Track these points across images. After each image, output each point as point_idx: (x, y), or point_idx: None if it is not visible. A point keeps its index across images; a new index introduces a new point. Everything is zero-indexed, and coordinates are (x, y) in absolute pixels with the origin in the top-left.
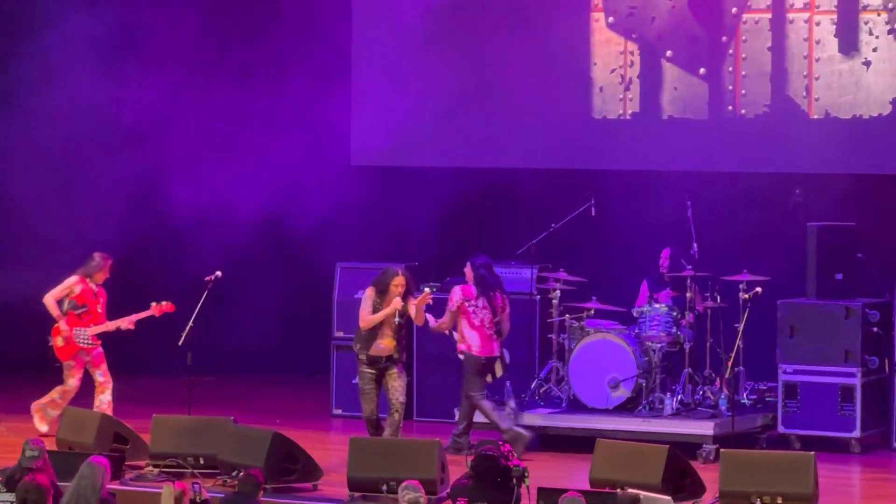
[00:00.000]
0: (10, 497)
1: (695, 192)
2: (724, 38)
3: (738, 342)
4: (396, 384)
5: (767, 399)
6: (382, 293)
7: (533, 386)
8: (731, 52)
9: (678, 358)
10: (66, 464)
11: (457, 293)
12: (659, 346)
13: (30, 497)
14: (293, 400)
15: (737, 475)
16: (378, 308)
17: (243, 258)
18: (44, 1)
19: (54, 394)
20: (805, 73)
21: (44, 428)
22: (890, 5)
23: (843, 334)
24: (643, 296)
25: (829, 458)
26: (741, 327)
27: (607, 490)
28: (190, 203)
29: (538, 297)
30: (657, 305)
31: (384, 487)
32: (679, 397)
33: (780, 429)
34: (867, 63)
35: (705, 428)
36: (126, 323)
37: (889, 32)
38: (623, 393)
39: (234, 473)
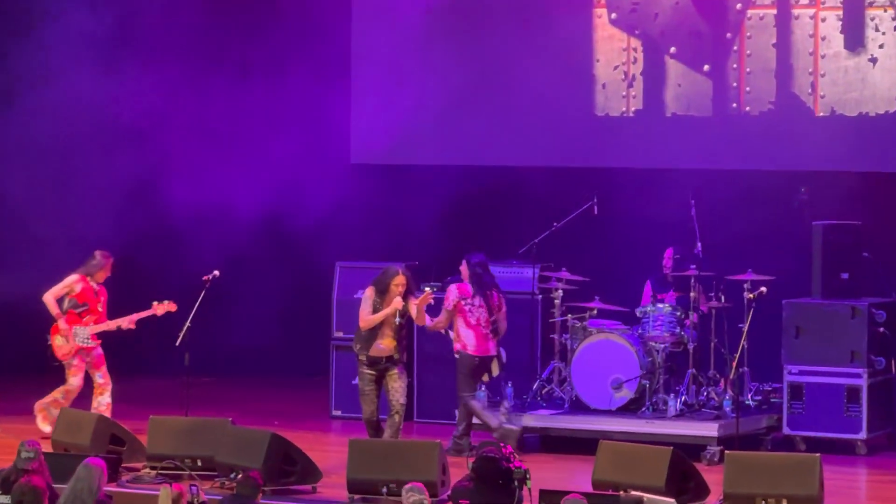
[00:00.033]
0: (6, 499)
1: (699, 191)
2: (728, 35)
3: (743, 342)
4: (397, 385)
5: (772, 400)
6: (383, 293)
7: (535, 387)
8: (735, 48)
9: (682, 358)
10: (61, 465)
11: (453, 291)
12: (662, 346)
13: (25, 499)
14: (292, 401)
15: (741, 477)
16: (378, 308)
17: (242, 257)
18: None
19: (57, 394)
20: (810, 69)
21: (47, 428)
22: None
23: (848, 334)
24: (647, 295)
25: (834, 459)
26: (746, 327)
27: (610, 492)
28: (188, 202)
29: (540, 296)
30: (661, 305)
31: (384, 490)
32: (683, 398)
33: (786, 430)
34: (873, 60)
35: (709, 429)
36: (127, 322)
37: None
38: (626, 394)
39: (232, 475)
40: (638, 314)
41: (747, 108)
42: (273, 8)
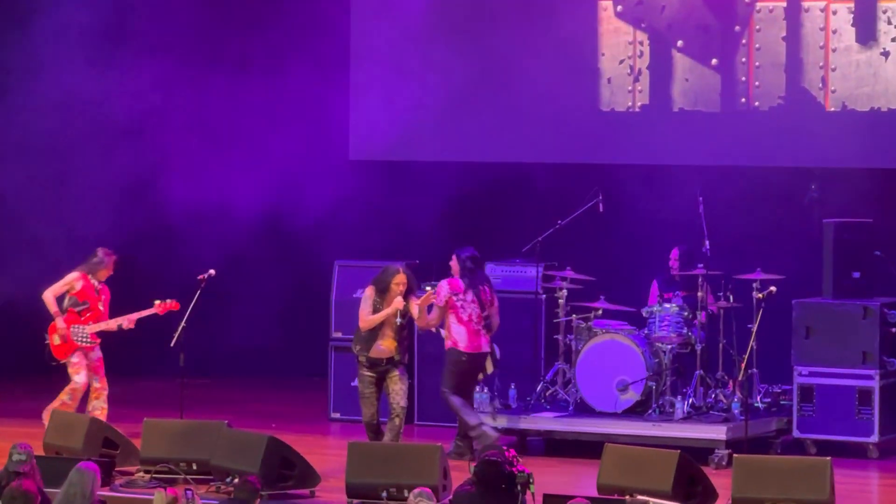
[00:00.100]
0: None
1: (707, 188)
2: (737, 28)
3: (752, 343)
4: (398, 388)
5: (782, 402)
6: (383, 292)
7: (538, 389)
8: (744, 41)
9: (689, 360)
10: (53, 469)
11: (444, 287)
12: (669, 347)
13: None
14: (290, 403)
15: (750, 481)
16: (378, 308)
17: (239, 256)
18: None
19: (63, 395)
20: (821, 63)
21: None
22: None
23: (860, 335)
24: (653, 295)
25: (845, 463)
26: (755, 328)
27: (615, 497)
28: (186, 199)
29: (544, 296)
30: (668, 305)
31: (384, 494)
32: (690, 400)
33: (795, 433)
34: (885, 53)
35: (717, 432)
36: (127, 322)
37: None
38: (632, 396)
39: (228, 479)
40: (644, 314)
41: (756, 104)
42: (272, 2)
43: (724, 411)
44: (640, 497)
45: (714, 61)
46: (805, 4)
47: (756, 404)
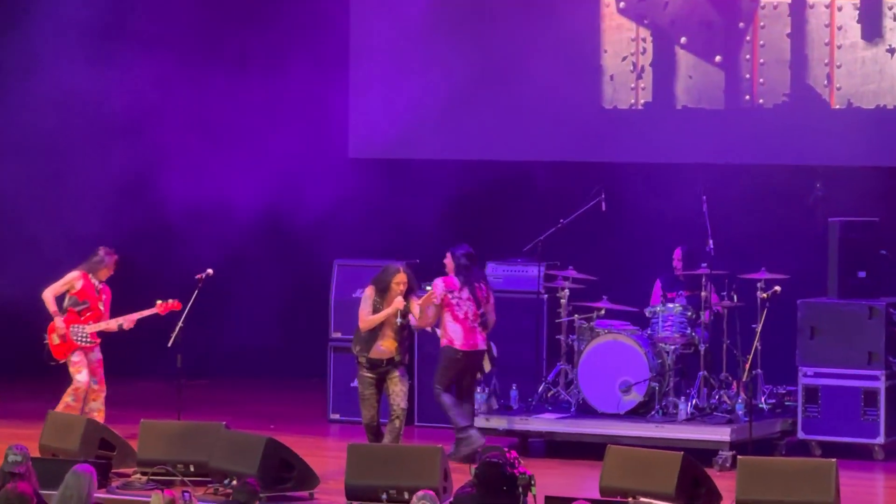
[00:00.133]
0: None
1: (710, 186)
2: (741, 24)
3: (756, 344)
4: (398, 389)
5: (787, 403)
6: (383, 292)
7: (540, 389)
8: (748, 38)
9: (693, 360)
10: (49, 471)
11: (439, 285)
12: (673, 347)
13: None
14: (288, 404)
15: (754, 483)
16: (378, 308)
17: (238, 255)
18: None
19: (67, 398)
20: (826, 60)
21: None
22: None
23: (866, 335)
24: (656, 295)
25: (851, 465)
26: (759, 328)
27: (618, 499)
28: (184, 198)
29: (546, 296)
30: (671, 305)
31: (384, 496)
32: (694, 402)
33: (800, 435)
34: (891, 50)
35: (721, 434)
36: (128, 322)
37: None
38: (635, 397)
39: (225, 481)
40: (647, 314)
41: (761, 101)
42: (271, 0)
43: (728, 412)
44: (642, 499)
45: (718, 58)
46: (810, 1)
47: (760, 405)
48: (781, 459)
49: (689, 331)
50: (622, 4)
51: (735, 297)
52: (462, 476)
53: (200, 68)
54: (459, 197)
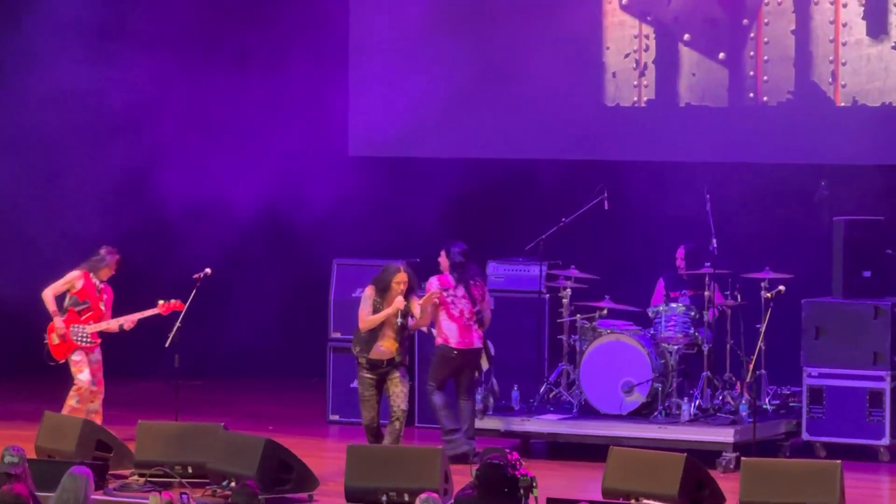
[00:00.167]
0: None
1: (714, 185)
2: (745, 21)
3: (760, 344)
4: (398, 390)
5: (791, 404)
6: (383, 292)
7: (542, 390)
8: (752, 35)
9: (696, 361)
10: (45, 472)
11: (433, 284)
12: (676, 347)
13: None
14: (287, 405)
15: (758, 485)
16: (379, 308)
17: (236, 254)
18: None
19: (70, 401)
20: (831, 57)
21: None
22: None
23: (871, 335)
24: (659, 294)
25: (856, 466)
26: (763, 328)
27: (621, 501)
28: (183, 196)
29: (547, 295)
30: (674, 305)
31: (384, 498)
32: (697, 402)
33: (805, 436)
34: None
35: (725, 435)
36: (129, 322)
37: None
38: (637, 398)
39: (224, 483)
40: (650, 314)
41: (765, 99)
42: None
43: (732, 413)
44: (645, 501)
45: (721, 55)
46: None
47: (764, 406)
48: (786, 461)
49: (692, 331)
50: (625, 1)
51: (739, 296)
52: (463, 478)
53: (200, 67)
54: (460, 196)
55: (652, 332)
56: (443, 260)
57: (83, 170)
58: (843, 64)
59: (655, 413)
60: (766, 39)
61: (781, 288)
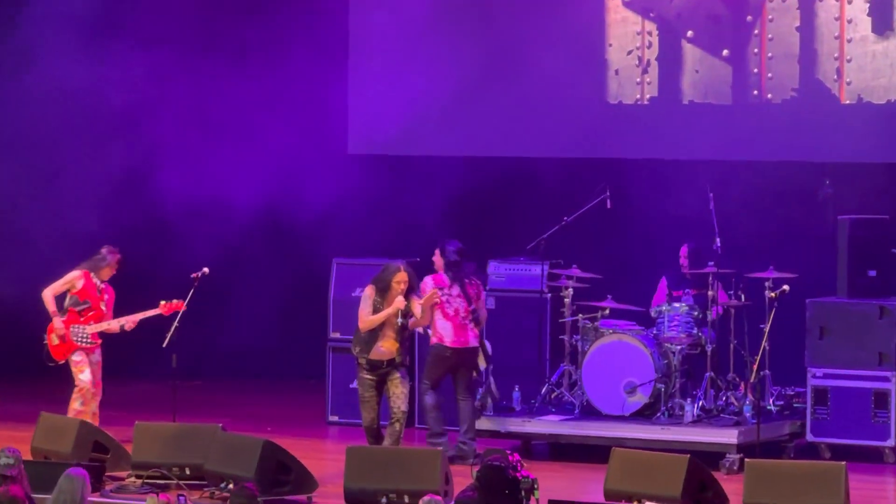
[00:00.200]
0: None
1: (717, 183)
2: (748, 18)
3: (764, 344)
4: (399, 391)
5: (795, 405)
6: (383, 291)
7: (543, 391)
8: (756, 32)
9: (699, 361)
10: (42, 474)
11: (428, 284)
12: (679, 348)
13: None
14: (286, 406)
15: (762, 487)
16: (379, 308)
17: (235, 252)
18: None
19: (74, 403)
20: (836, 54)
21: None
22: None
23: (876, 335)
24: (661, 294)
25: (861, 468)
26: (767, 328)
27: (623, 503)
28: (180, 193)
29: (549, 295)
30: (677, 304)
31: (384, 500)
32: (700, 403)
33: (809, 437)
34: None
35: (729, 436)
36: (130, 323)
37: None
38: (640, 398)
39: (222, 485)
40: (653, 314)
41: (769, 96)
42: None
43: (736, 414)
44: (648, 503)
45: (725, 52)
46: None
47: (768, 407)
48: (790, 462)
49: (695, 331)
50: None
51: (743, 296)
52: (463, 479)
53: (198, 63)
54: (461, 194)
55: (655, 332)
56: (437, 259)
57: (82, 169)
58: (849, 61)
59: (658, 414)
60: (770, 36)
61: (785, 287)
